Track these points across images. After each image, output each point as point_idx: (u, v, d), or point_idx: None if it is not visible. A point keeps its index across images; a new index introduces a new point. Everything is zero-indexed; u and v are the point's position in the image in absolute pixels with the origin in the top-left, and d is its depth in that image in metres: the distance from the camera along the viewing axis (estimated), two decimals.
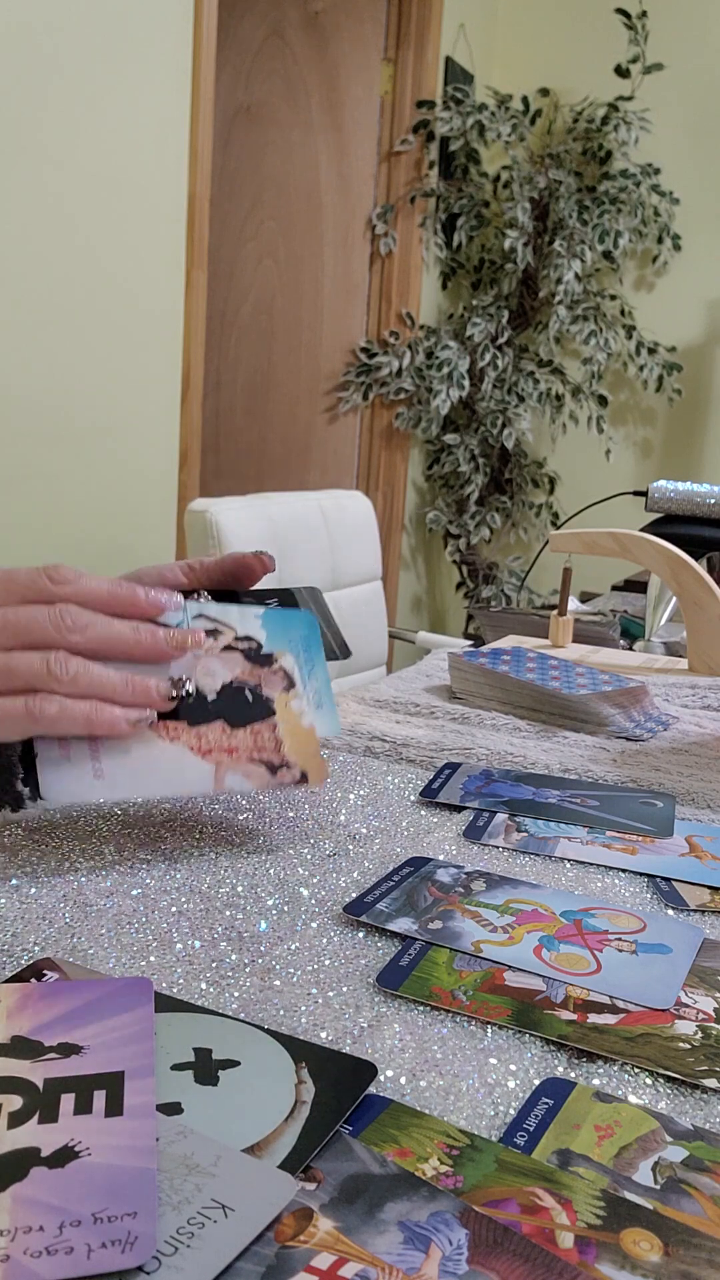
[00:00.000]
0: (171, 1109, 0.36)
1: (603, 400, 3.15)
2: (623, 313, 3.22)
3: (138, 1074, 0.36)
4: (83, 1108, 0.34)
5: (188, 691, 0.56)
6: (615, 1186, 0.34)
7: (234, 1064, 0.38)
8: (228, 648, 0.60)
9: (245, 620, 0.61)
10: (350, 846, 0.61)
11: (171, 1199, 0.31)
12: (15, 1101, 0.35)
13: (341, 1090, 0.37)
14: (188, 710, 0.57)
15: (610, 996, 0.46)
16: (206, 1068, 0.38)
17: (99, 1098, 0.35)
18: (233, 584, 0.62)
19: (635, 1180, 0.35)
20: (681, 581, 1.09)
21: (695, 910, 0.56)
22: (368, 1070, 0.38)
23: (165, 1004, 0.42)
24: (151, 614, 0.58)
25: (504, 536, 3.44)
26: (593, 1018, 0.44)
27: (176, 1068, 0.38)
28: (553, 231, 3.05)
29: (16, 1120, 0.34)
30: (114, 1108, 0.34)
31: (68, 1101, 0.35)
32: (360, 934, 0.50)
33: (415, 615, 3.46)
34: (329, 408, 3.21)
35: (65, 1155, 0.32)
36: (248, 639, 0.61)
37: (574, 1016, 0.44)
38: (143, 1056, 0.37)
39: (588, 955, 0.49)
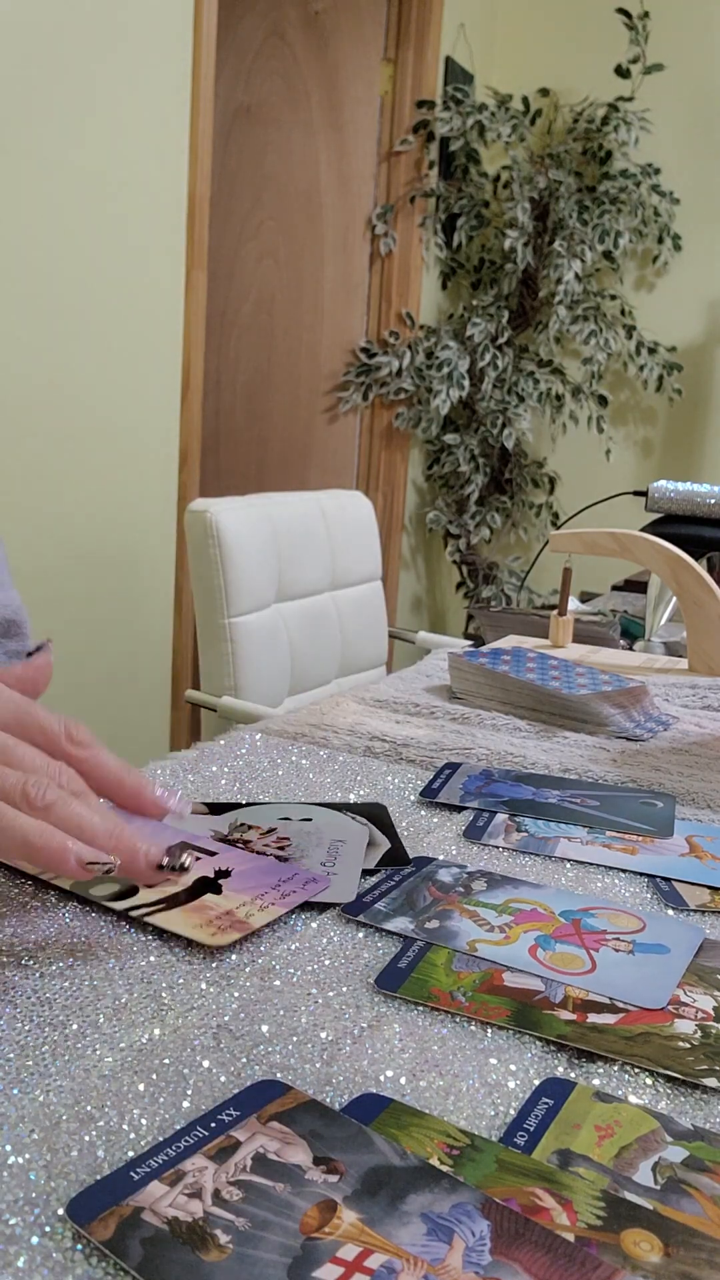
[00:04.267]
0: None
1: (603, 400, 3.15)
2: (623, 313, 3.22)
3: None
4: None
5: (182, 865, 0.49)
6: (615, 1187, 0.34)
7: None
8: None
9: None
10: None
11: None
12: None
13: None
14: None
15: (604, 996, 0.46)
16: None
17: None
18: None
19: (635, 1180, 0.35)
20: (681, 581, 1.09)
21: (695, 910, 0.56)
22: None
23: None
24: (154, 812, 0.54)
25: (504, 536, 3.43)
26: (592, 1017, 0.44)
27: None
28: (553, 231, 3.05)
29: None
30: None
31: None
32: (360, 934, 0.50)
33: (415, 615, 3.46)
34: (329, 408, 3.21)
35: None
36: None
37: (573, 1016, 0.44)
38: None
39: (583, 954, 0.49)
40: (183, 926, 0.48)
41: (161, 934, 0.49)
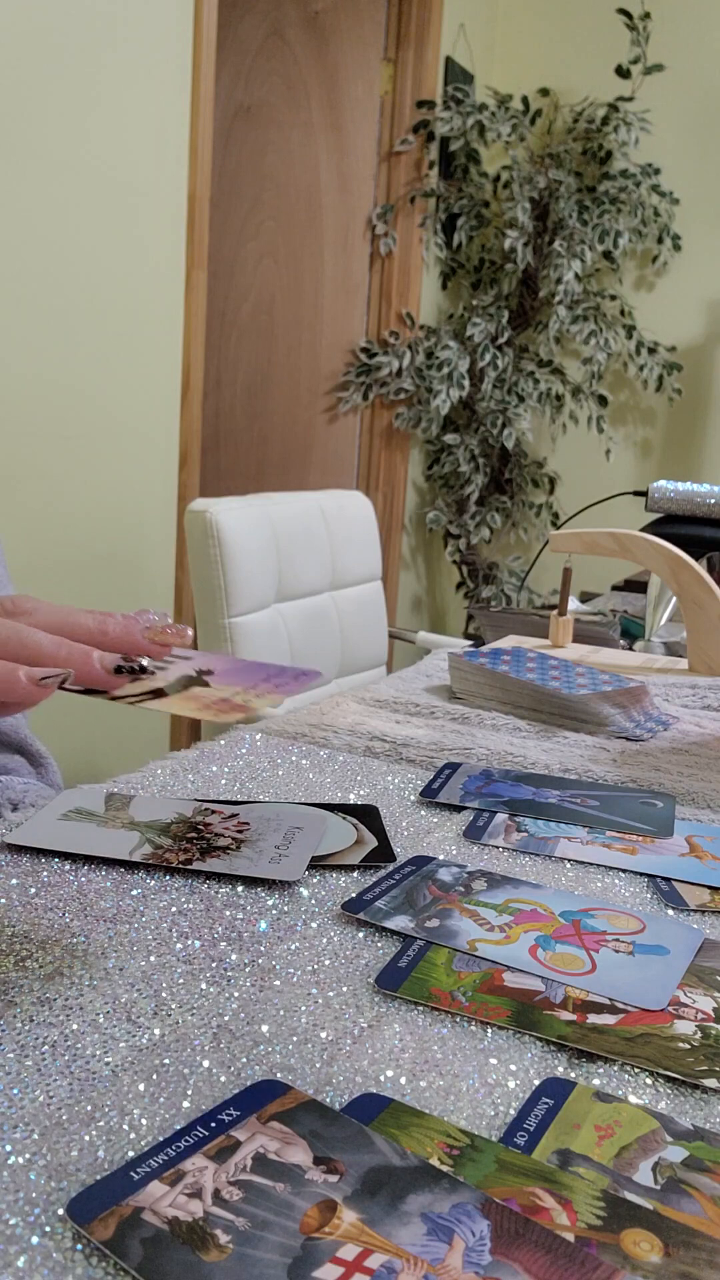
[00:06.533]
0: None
1: (603, 400, 3.15)
2: (623, 313, 3.22)
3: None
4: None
5: (140, 666, 0.47)
6: (615, 1186, 0.34)
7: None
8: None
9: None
10: None
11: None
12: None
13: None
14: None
15: (604, 997, 0.45)
16: None
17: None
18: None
19: (635, 1180, 0.35)
20: (681, 581, 1.09)
21: (695, 910, 0.56)
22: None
23: None
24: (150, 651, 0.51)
25: (504, 536, 3.43)
26: (592, 1018, 0.44)
27: None
28: (553, 231, 3.05)
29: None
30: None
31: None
32: (360, 933, 0.50)
33: (415, 615, 3.46)
34: (329, 408, 3.21)
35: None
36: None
37: (573, 1017, 0.44)
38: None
39: (583, 955, 0.49)
40: (180, 708, 0.45)
41: (162, 934, 0.49)
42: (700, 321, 3.22)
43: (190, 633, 0.50)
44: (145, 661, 0.47)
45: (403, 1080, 0.40)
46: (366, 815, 0.65)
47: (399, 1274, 0.30)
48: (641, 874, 0.59)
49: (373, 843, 0.61)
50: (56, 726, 2.02)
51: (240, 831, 0.60)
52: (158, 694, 0.46)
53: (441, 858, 0.59)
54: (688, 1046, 0.42)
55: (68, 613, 0.49)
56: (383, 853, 0.59)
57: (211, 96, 2.19)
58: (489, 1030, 0.43)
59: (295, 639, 1.75)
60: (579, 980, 0.46)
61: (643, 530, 1.61)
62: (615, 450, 3.26)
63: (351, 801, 0.68)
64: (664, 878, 0.59)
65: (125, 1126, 0.36)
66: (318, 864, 0.57)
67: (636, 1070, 0.41)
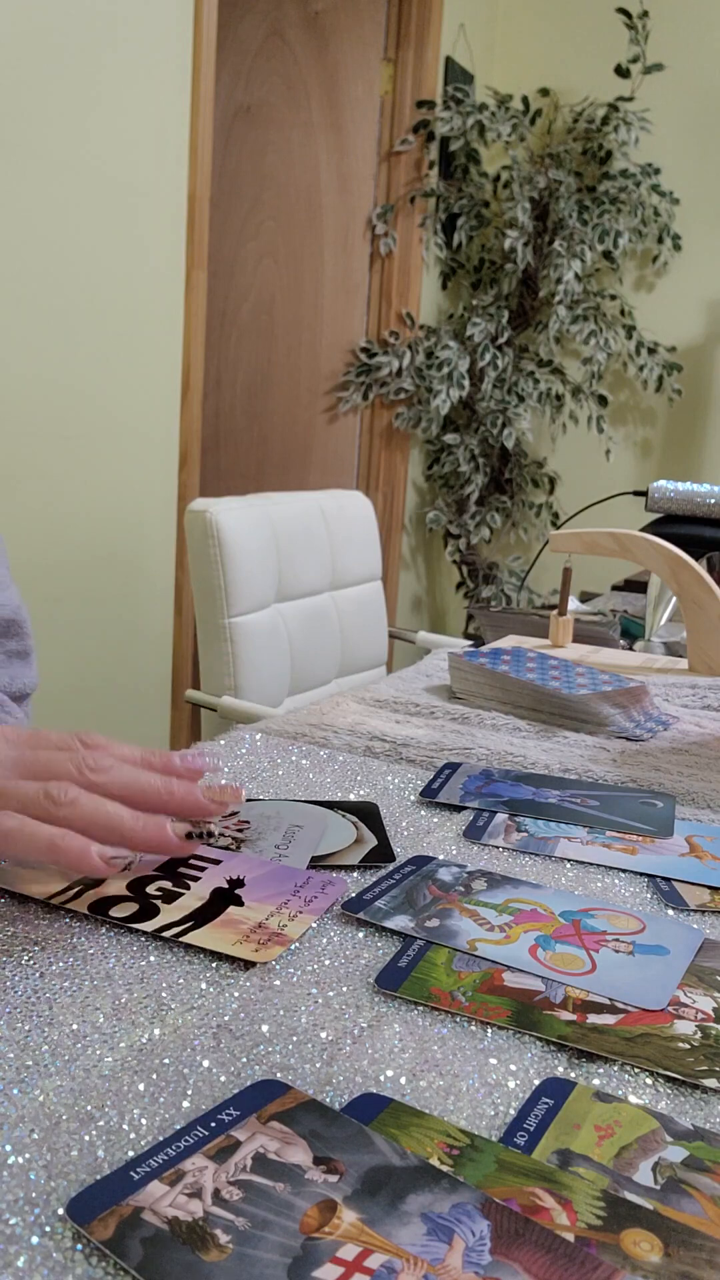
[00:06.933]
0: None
1: (603, 400, 3.15)
2: (623, 313, 3.22)
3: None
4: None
5: (209, 832, 0.51)
6: (615, 1186, 0.34)
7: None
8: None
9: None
10: None
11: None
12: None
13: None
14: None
15: (604, 997, 0.46)
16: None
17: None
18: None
19: (635, 1180, 0.35)
20: (681, 581, 1.09)
21: (695, 910, 0.56)
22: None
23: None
24: (189, 775, 0.54)
25: (504, 536, 3.43)
26: (592, 1018, 0.44)
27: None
28: (553, 231, 3.05)
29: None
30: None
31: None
32: (360, 933, 0.50)
33: (415, 615, 3.46)
34: (329, 408, 3.21)
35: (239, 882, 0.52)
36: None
37: (573, 1017, 0.44)
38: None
39: (583, 955, 0.49)
40: (221, 945, 0.48)
41: (162, 935, 0.49)
42: (700, 321, 3.22)
43: (243, 794, 0.55)
44: (213, 826, 0.53)
45: (403, 1080, 0.40)
46: (366, 814, 0.65)
47: (399, 1274, 0.30)
48: (641, 874, 0.59)
49: (372, 842, 0.61)
50: (55, 728, 2.02)
51: (240, 830, 0.60)
52: (198, 919, 0.49)
53: (441, 858, 0.60)
54: (688, 1046, 0.42)
55: (134, 775, 0.52)
56: (382, 852, 0.59)
57: (211, 96, 2.19)
58: (489, 1030, 0.43)
59: (295, 639, 1.75)
60: (579, 980, 0.46)
61: (643, 530, 1.61)
62: (615, 450, 3.26)
63: (351, 801, 0.68)
64: (664, 878, 0.59)
65: (125, 1126, 0.36)
66: (317, 864, 0.57)
67: (636, 1070, 0.41)
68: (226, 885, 0.53)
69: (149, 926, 0.49)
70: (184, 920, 0.49)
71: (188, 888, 0.52)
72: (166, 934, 0.48)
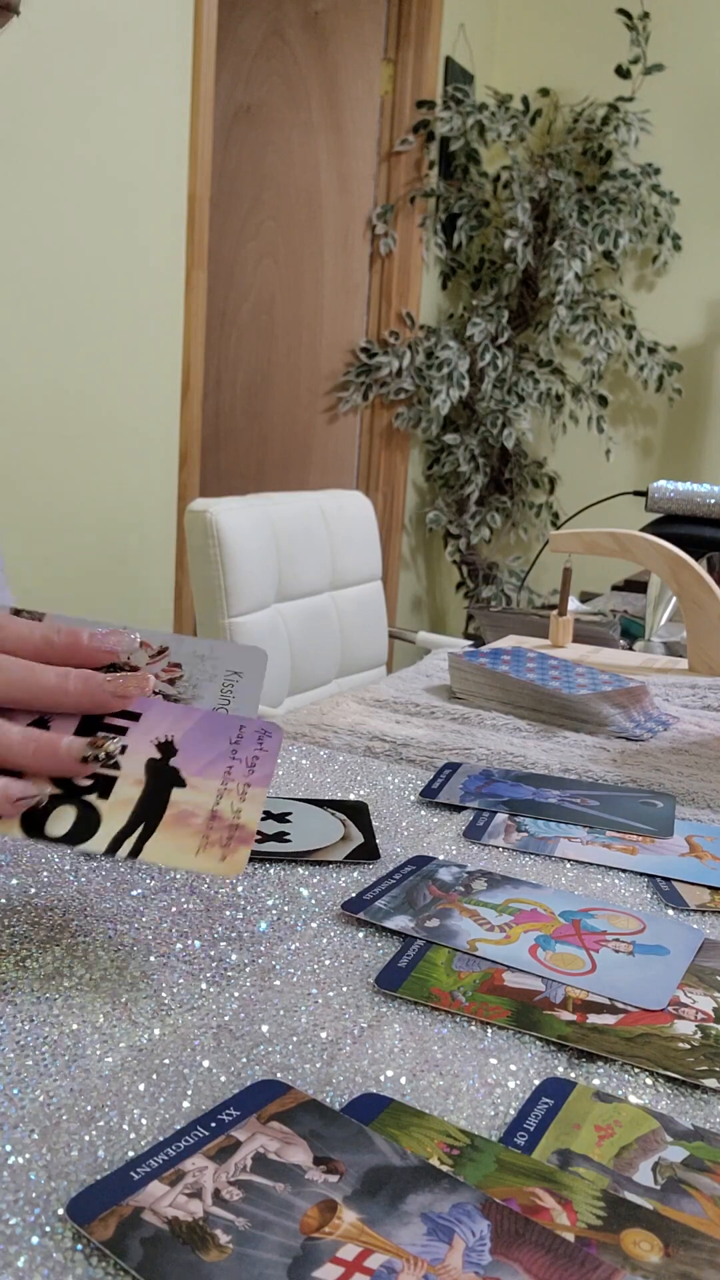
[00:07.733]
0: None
1: (603, 400, 3.15)
2: (623, 313, 3.22)
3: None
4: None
5: (108, 754, 0.45)
6: (615, 1187, 0.34)
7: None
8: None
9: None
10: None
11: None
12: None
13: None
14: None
15: (604, 997, 0.46)
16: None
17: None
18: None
19: (635, 1180, 0.35)
20: (681, 581, 1.09)
21: (695, 910, 0.56)
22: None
23: None
24: (98, 661, 0.48)
25: (504, 536, 3.43)
26: (592, 1018, 0.44)
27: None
28: (553, 231, 3.05)
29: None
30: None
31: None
32: (360, 933, 0.50)
33: (415, 615, 3.46)
34: (329, 408, 3.21)
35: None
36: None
37: (573, 1017, 0.44)
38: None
39: (583, 955, 0.49)
40: (182, 858, 0.44)
41: (162, 934, 0.49)
42: (700, 321, 3.22)
43: (151, 682, 0.48)
44: (112, 745, 0.45)
45: (403, 1080, 0.40)
46: (355, 812, 0.65)
47: (399, 1274, 0.30)
48: (641, 874, 0.59)
49: (359, 839, 0.61)
50: None
51: (172, 681, 0.52)
52: (144, 815, 0.45)
53: (441, 858, 0.59)
54: (688, 1046, 0.42)
55: (26, 674, 0.46)
56: (367, 850, 0.59)
57: (211, 96, 2.19)
58: (489, 1030, 0.43)
59: (295, 639, 1.75)
60: (579, 980, 0.46)
61: (643, 530, 1.61)
62: (615, 450, 3.26)
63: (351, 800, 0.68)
64: (664, 878, 0.59)
65: (125, 1126, 0.36)
66: (302, 859, 0.57)
67: (636, 1070, 0.41)
68: (159, 754, 0.47)
69: (100, 845, 0.44)
70: (132, 824, 0.45)
71: (117, 766, 0.46)
72: (121, 850, 0.44)
